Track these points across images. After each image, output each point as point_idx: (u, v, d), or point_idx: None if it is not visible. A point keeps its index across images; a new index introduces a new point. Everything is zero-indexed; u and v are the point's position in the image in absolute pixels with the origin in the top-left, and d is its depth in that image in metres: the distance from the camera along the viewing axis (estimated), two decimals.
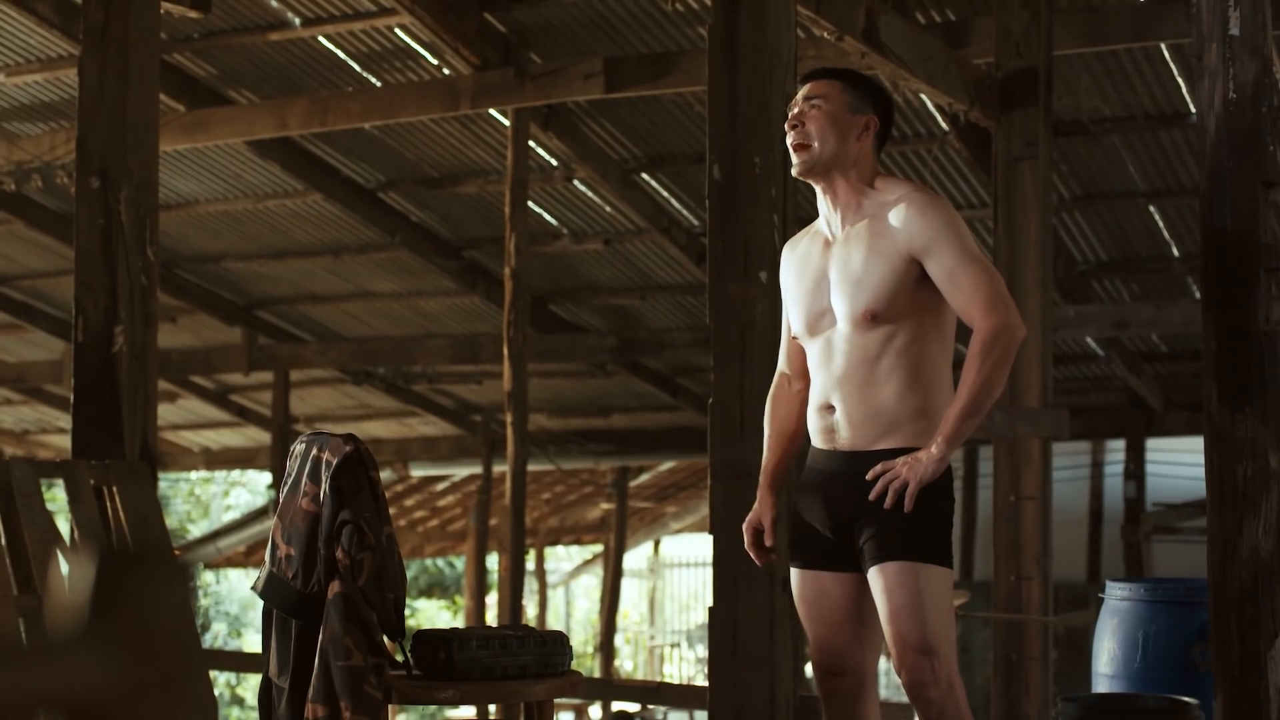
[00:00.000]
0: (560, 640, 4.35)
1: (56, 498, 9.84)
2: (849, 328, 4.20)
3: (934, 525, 4.12)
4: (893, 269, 4.15)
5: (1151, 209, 10.77)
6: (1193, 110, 9.13)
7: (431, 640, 4.25)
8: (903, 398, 4.18)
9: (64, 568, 4.88)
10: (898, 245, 4.12)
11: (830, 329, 4.25)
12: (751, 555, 4.30)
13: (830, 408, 4.24)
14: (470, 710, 13.82)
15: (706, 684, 5.32)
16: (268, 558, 4.34)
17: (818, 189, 4.33)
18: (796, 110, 4.30)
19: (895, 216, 4.15)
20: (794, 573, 4.32)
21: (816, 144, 4.23)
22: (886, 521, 4.10)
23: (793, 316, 4.39)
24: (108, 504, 5.32)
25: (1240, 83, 3.90)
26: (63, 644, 1.32)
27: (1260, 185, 3.90)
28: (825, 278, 4.27)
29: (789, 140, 4.28)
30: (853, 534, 4.18)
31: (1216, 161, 3.93)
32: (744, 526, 4.29)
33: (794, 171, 4.31)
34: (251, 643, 25.85)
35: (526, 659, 4.25)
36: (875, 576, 4.13)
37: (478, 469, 16.32)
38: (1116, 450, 15.10)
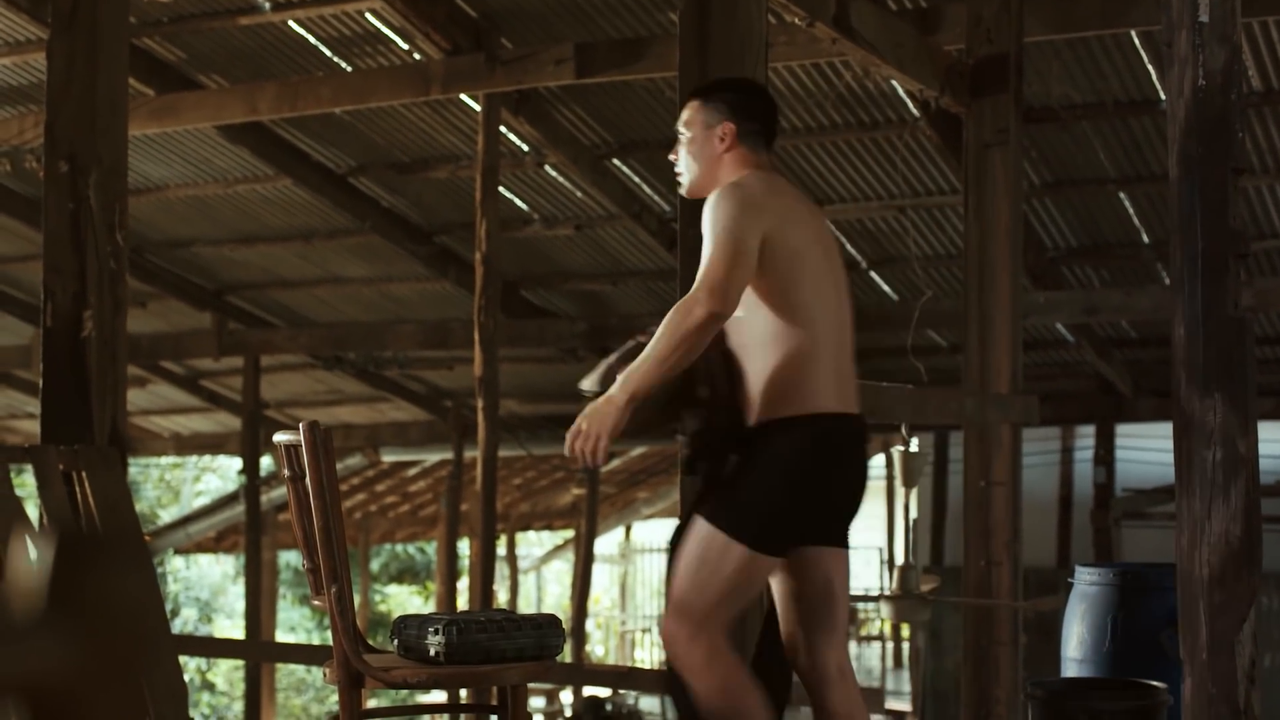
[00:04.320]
0: (554, 624, 4.37)
1: (26, 484, 9.80)
2: (730, 328, 4.41)
3: (741, 493, 4.24)
4: None
5: (1121, 195, 10.80)
6: (1162, 97, 9.15)
7: (428, 623, 4.25)
8: (751, 380, 4.34)
9: (32, 553, 4.86)
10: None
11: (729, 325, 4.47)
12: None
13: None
14: (442, 694, 13.82)
15: None
16: None
17: None
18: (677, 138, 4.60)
19: None
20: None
21: (686, 172, 4.55)
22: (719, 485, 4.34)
23: None
24: (77, 489, 5.30)
25: (1210, 70, 3.91)
26: (21, 628, 1.32)
27: (1229, 172, 3.91)
28: None
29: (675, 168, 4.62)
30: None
31: (1186, 148, 3.93)
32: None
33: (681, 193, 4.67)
34: (222, 628, 25.79)
35: (524, 642, 4.26)
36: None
37: (449, 454, 16.31)
38: (1086, 436, 15.16)
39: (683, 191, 4.60)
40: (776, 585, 4.44)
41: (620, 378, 4.19)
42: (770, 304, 4.29)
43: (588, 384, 4.48)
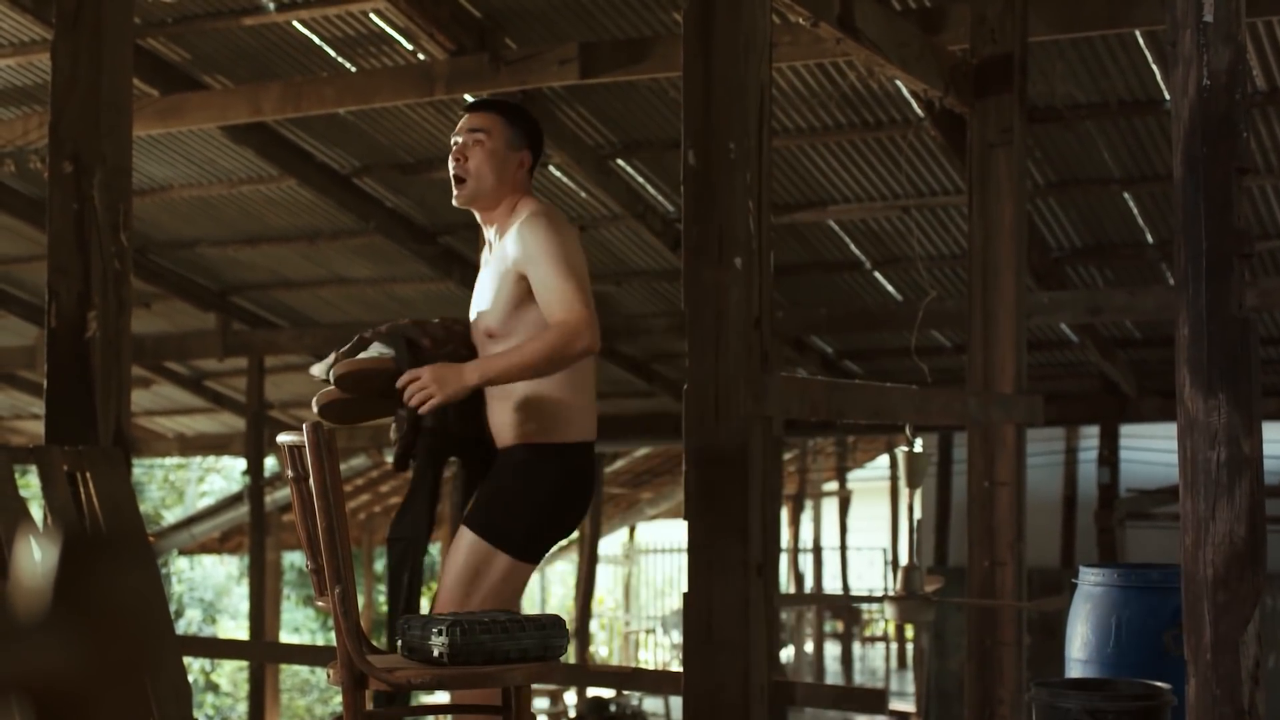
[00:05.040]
0: (558, 624, 4.37)
1: (30, 484, 9.80)
2: (482, 341, 4.68)
3: (513, 508, 4.48)
4: (506, 288, 4.62)
5: (1126, 195, 10.79)
6: (1167, 97, 9.15)
7: (432, 624, 4.25)
8: (515, 403, 4.62)
9: (36, 553, 4.86)
10: (510, 265, 4.55)
11: (479, 339, 4.73)
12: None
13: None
14: (444, 696, 13.79)
15: (681, 670, 5.32)
16: None
17: (475, 213, 4.79)
18: (459, 140, 4.63)
19: (512, 237, 4.60)
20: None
21: (473, 180, 4.60)
22: (483, 497, 4.63)
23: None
24: (81, 490, 5.31)
25: (1214, 69, 3.91)
26: (25, 628, 1.32)
27: (1234, 172, 3.90)
28: (476, 292, 4.81)
29: (450, 168, 4.64)
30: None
31: (1190, 148, 3.93)
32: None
33: (455, 201, 4.77)
34: (226, 629, 25.79)
35: (528, 643, 4.26)
36: (456, 535, 4.69)
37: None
38: (1090, 436, 15.15)
39: (459, 197, 4.75)
40: None
41: (479, 361, 4.50)
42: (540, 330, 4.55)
43: (317, 370, 4.76)
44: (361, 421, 4.83)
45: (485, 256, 4.82)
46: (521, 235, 4.49)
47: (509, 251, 4.55)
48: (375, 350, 4.71)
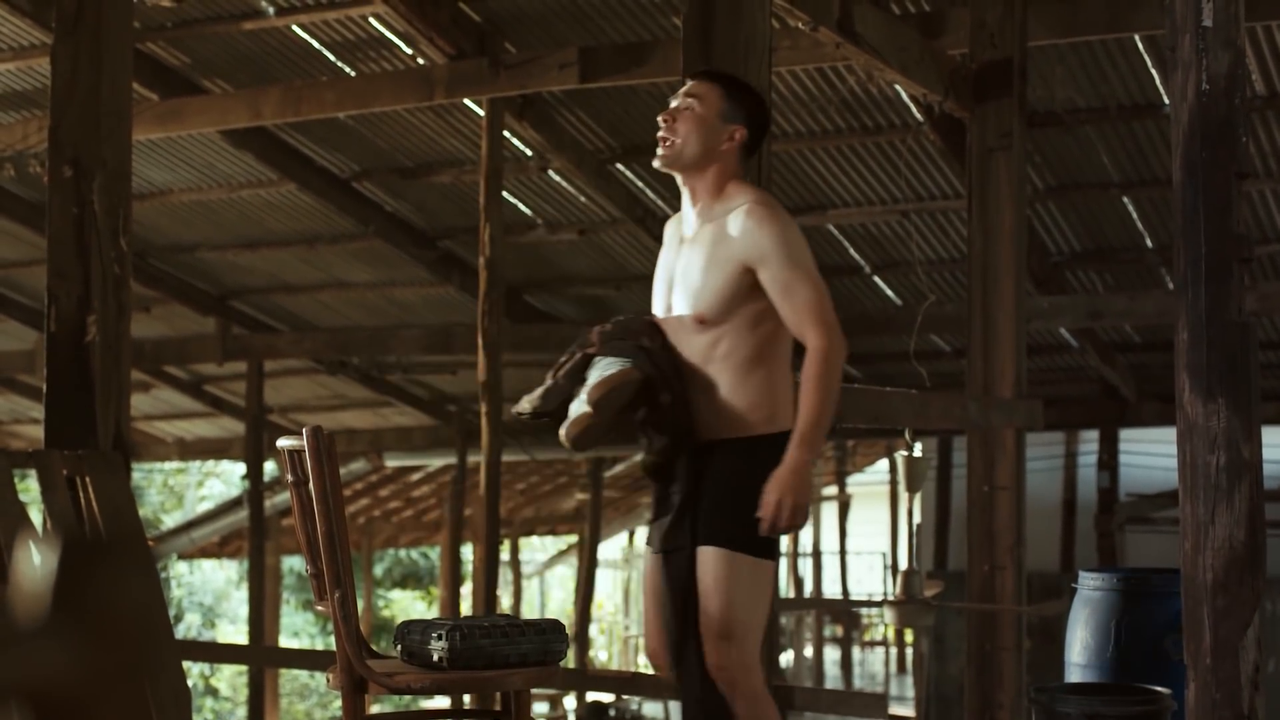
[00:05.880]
0: (557, 629, 4.36)
1: (30, 488, 9.80)
2: (685, 326, 4.42)
3: (748, 509, 4.26)
4: (725, 277, 4.33)
5: (1125, 200, 10.79)
6: (1166, 101, 9.15)
7: (431, 628, 4.24)
8: (732, 394, 4.35)
9: (35, 558, 4.86)
10: (734, 254, 4.29)
11: (674, 325, 4.46)
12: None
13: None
14: (445, 700, 13.80)
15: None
16: None
17: (679, 182, 4.53)
18: (674, 105, 4.49)
19: (734, 224, 4.35)
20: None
21: (679, 142, 4.43)
22: (712, 507, 4.33)
23: (653, 301, 4.64)
24: (81, 494, 5.31)
25: (1213, 74, 3.91)
26: (25, 633, 1.32)
27: (1233, 176, 3.90)
28: (674, 274, 4.51)
29: (659, 131, 4.47)
30: (694, 517, 4.39)
31: (1190, 152, 3.93)
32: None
33: (655, 163, 4.53)
34: (225, 634, 25.78)
35: (527, 647, 4.25)
36: (698, 557, 4.35)
37: (452, 459, 16.31)
38: (1090, 440, 15.16)
39: (661, 158, 4.51)
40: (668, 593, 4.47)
41: (795, 445, 4.21)
42: (770, 321, 4.33)
43: (528, 405, 4.51)
44: (612, 441, 4.66)
45: (682, 234, 4.54)
46: (748, 227, 4.27)
47: (733, 240, 4.29)
48: (611, 365, 4.47)
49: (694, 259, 4.41)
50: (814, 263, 4.33)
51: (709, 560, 4.30)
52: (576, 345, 4.58)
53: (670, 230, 4.64)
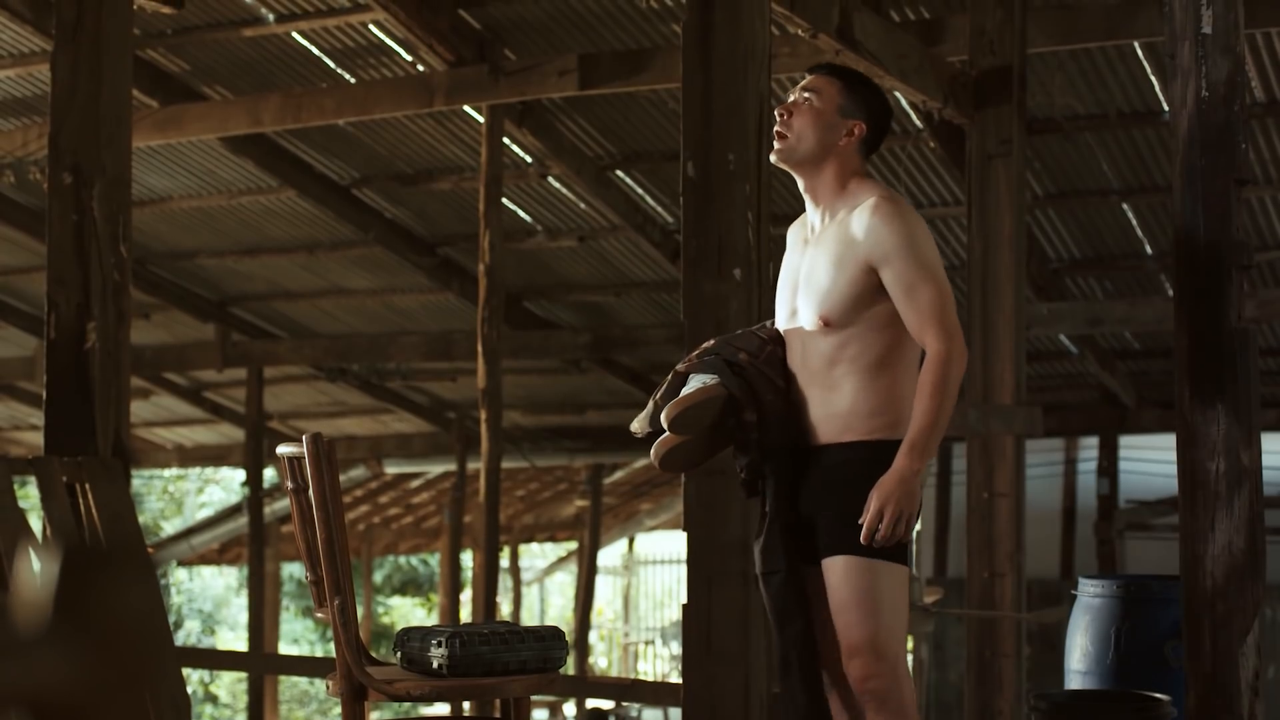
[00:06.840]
0: (557, 636, 4.35)
1: (29, 495, 9.79)
2: (810, 330, 4.25)
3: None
4: (850, 277, 4.18)
5: (1125, 207, 10.80)
6: (1166, 108, 9.15)
7: (431, 635, 4.24)
8: (859, 397, 4.20)
9: (35, 565, 4.86)
10: (858, 253, 4.16)
11: (798, 328, 4.29)
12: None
13: (801, 403, 4.27)
14: (444, 707, 13.78)
15: (680, 681, 5.32)
16: None
17: (800, 186, 4.37)
18: (791, 99, 4.35)
19: (858, 222, 4.18)
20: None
21: (795, 137, 4.28)
22: (839, 515, 4.14)
23: (776, 306, 4.45)
24: (80, 501, 5.31)
25: (1213, 81, 3.91)
26: (25, 641, 1.32)
27: (1232, 183, 3.91)
28: (799, 277, 4.32)
29: (776, 126, 4.33)
30: (813, 526, 4.22)
31: (1189, 159, 3.94)
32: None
33: (771, 157, 4.38)
34: (225, 640, 25.78)
35: (527, 654, 4.25)
36: (826, 570, 4.17)
37: (452, 466, 16.30)
38: (1090, 447, 15.14)
39: (777, 153, 4.35)
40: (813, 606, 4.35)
41: (905, 451, 4.08)
42: (900, 324, 4.18)
43: (637, 426, 4.42)
44: (705, 460, 4.52)
45: (806, 235, 4.44)
46: (873, 224, 4.15)
47: (857, 238, 4.16)
48: (697, 382, 4.37)
49: (818, 260, 4.27)
50: (940, 263, 4.19)
51: (841, 570, 4.14)
52: (674, 368, 4.50)
53: (794, 234, 4.48)
